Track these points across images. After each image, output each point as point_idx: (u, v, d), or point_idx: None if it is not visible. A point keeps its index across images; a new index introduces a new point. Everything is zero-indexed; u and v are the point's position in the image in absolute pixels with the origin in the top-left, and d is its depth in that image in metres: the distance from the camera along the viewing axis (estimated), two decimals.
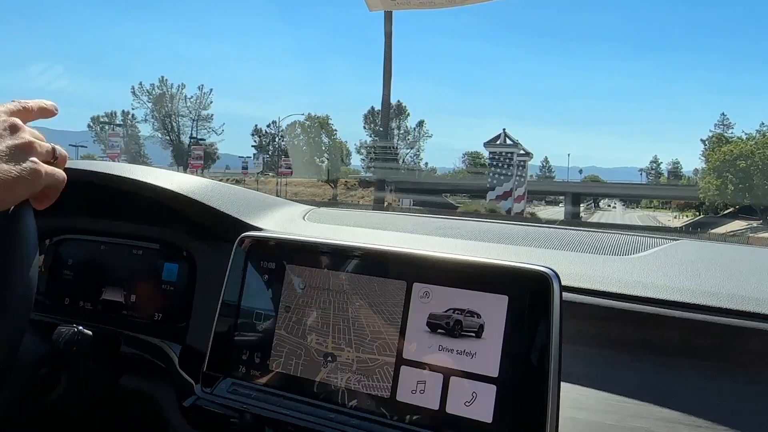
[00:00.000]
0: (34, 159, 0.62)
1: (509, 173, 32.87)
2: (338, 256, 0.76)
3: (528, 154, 37.24)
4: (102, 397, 0.90)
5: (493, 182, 33.38)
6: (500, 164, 33.19)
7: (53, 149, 0.68)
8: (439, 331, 0.68)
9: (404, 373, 0.69)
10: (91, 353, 0.84)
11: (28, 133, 0.64)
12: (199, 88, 50.11)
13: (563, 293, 0.63)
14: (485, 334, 0.65)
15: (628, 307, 0.70)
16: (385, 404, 0.69)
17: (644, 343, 0.69)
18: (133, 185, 0.95)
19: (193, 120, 49.37)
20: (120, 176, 0.96)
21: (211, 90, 50.62)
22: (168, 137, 49.33)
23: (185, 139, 49.53)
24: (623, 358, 0.69)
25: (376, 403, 0.69)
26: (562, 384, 0.61)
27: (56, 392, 0.87)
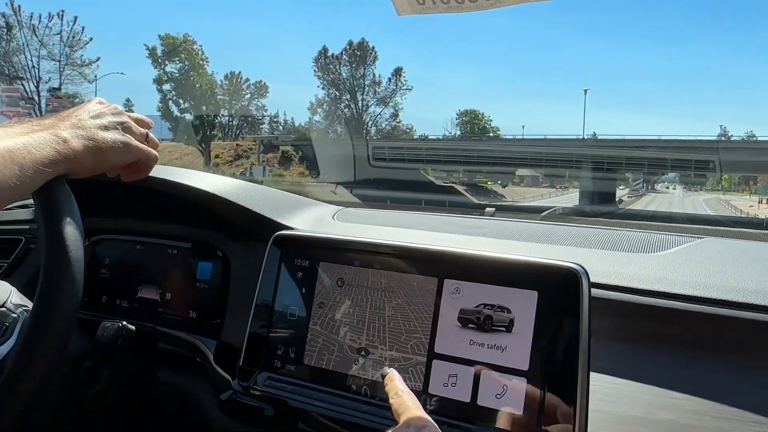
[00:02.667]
0: (129, 136, 0.75)
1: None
2: (370, 253, 0.78)
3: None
4: (141, 391, 0.93)
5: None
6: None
7: (147, 134, 0.81)
8: (470, 325, 0.70)
9: (436, 366, 0.71)
10: (132, 348, 0.87)
11: (128, 117, 0.78)
12: (58, 15, 36.04)
13: (591, 289, 0.65)
14: (515, 329, 0.67)
15: (654, 303, 0.72)
16: (418, 396, 0.71)
17: (671, 338, 0.70)
18: (168, 186, 0.98)
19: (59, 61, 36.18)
20: (156, 178, 1.00)
21: (83, 29, 36.79)
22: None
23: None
24: (650, 353, 0.71)
25: None
26: (591, 376, 0.63)
27: (98, 386, 0.90)
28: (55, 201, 0.67)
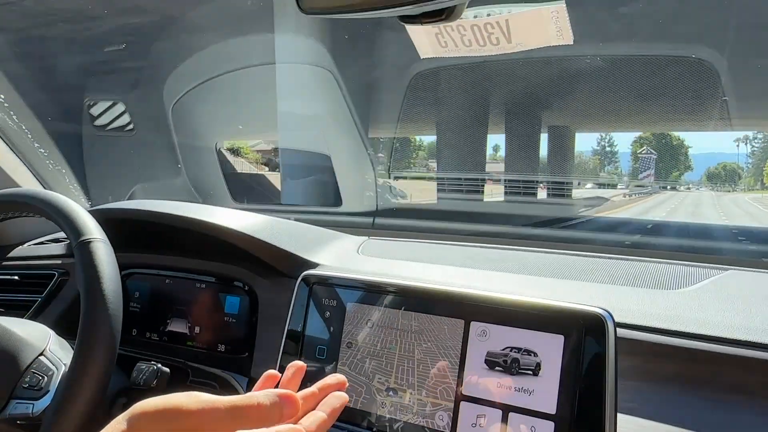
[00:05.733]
0: None
1: None
2: (397, 295, 0.80)
3: None
4: None
5: None
6: None
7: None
8: (497, 368, 0.71)
9: (464, 408, 0.72)
10: (167, 385, 0.89)
11: None
12: None
13: (617, 329, 0.66)
14: (542, 372, 0.69)
15: (680, 344, 0.73)
16: None
17: (697, 379, 0.71)
18: (196, 225, 1.01)
19: None
20: (184, 217, 1.02)
21: None
22: None
23: None
24: (677, 394, 0.71)
25: None
26: (618, 418, 0.64)
27: None
28: (97, 258, 0.69)
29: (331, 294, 0.84)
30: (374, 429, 0.77)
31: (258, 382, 0.68)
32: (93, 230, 0.74)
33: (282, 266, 0.97)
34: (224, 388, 0.93)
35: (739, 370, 0.70)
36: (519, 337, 0.71)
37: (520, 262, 0.99)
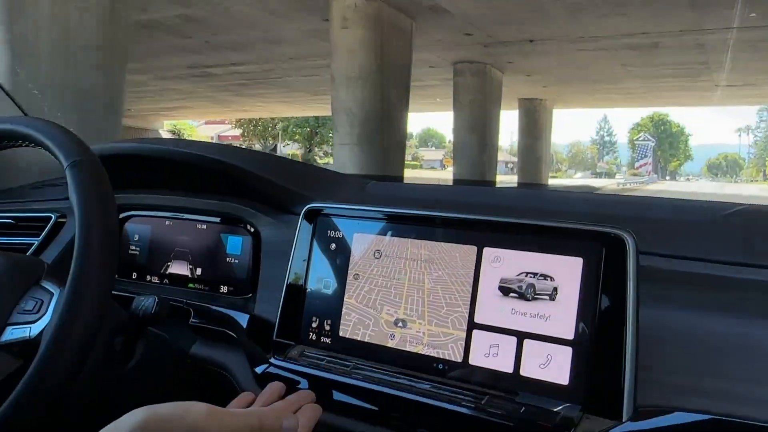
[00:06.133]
0: None
1: None
2: (406, 223, 0.77)
3: None
4: (175, 367, 0.93)
5: None
6: None
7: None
8: (511, 294, 0.68)
9: (476, 336, 0.69)
10: (166, 323, 0.86)
11: None
12: None
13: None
14: (559, 297, 0.65)
15: (706, 270, 0.69)
16: (457, 368, 0.70)
17: (721, 306, 0.68)
18: (197, 159, 0.97)
19: None
20: (184, 151, 0.99)
21: None
22: None
23: None
24: (699, 321, 0.68)
25: (447, 367, 0.70)
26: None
27: (131, 362, 0.90)
28: (89, 178, 0.66)
29: (337, 225, 0.81)
30: (383, 362, 0.74)
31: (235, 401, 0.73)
32: (84, 150, 0.71)
33: (285, 203, 0.94)
34: (225, 326, 0.90)
35: (762, 295, 0.67)
36: (535, 261, 0.67)
37: (532, 195, 0.96)
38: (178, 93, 18.38)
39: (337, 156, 8.55)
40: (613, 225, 0.65)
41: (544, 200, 0.97)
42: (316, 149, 41.57)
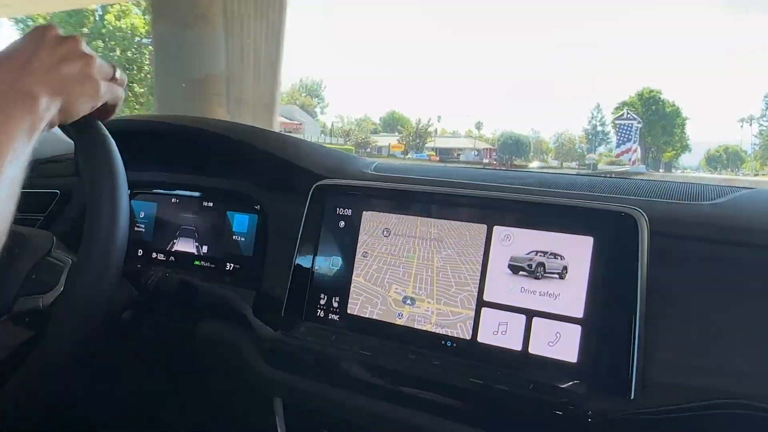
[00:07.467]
0: (98, 78, 0.67)
1: None
2: (416, 201, 0.77)
3: None
4: (182, 343, 0.93)
5: None
6: None
7: (114, 68, 0.71)
8: (521, 273, 0.68)
9: (485, 315, 0.69)
10: (173, 299, 0.87)
11: (92, 53, 0.68)
12: None
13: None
14: (569, 276, 0.66)
15: (714, 251, 0.69)
16: (465, 346, 0.70)
17: (730, 285, 0.68)
18: (204, 136, 0.97)
19: None
20: (190, 127, 0.98)
21: None
22: None
23: None
24: (708, 300, 0.68)
25: (456, 345, 0.70)
26: None
27: (139, 338, 0.90)
28: (99, 144, 0.66)
29: (346, 203, 0.81)
30: (391, 340, 0.74)
31: None
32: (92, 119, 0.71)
33: (291, 180, 0.94)
34: (232, 303, 0.91)
35: None
36: (545, 240, 0.67)
37: (542, 178, 0.95)
38: None
39: None
40: (624, 204, 0.65)
41: (554, 183, 0.96)
42: None
